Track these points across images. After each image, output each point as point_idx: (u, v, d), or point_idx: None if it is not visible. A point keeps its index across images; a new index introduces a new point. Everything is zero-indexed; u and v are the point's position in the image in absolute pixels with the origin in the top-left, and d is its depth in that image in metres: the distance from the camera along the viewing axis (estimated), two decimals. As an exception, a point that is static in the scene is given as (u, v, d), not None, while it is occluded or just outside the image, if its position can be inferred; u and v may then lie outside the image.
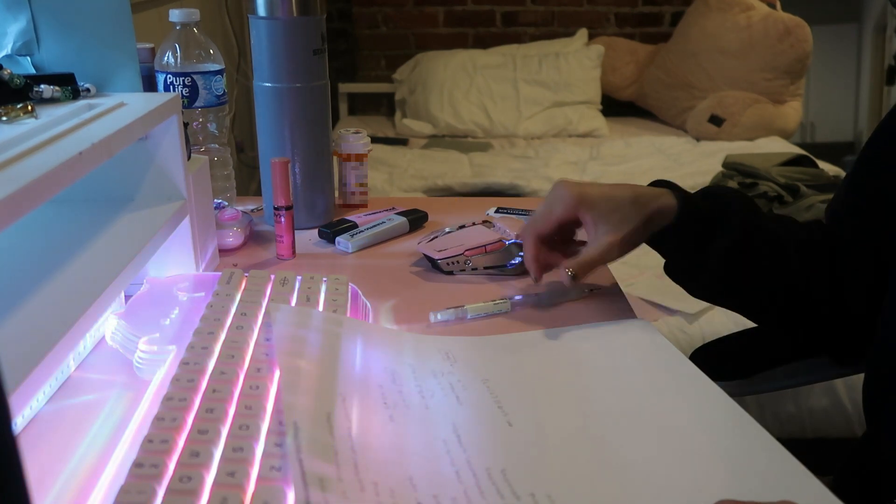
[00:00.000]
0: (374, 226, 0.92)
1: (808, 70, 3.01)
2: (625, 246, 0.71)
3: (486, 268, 0.83)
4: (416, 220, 0.96)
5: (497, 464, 0.50)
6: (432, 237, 0.87)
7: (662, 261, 0.77)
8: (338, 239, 0.90)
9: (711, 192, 0.77)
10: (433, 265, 0.84)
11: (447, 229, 0.87)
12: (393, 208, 0.99)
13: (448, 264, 0.83)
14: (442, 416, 0.55)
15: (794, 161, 2.18)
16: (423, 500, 0.46)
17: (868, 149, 0.75)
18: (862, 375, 0.72)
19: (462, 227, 0.87)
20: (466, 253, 0.82)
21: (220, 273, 0.69)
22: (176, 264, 0.75)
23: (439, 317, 0.72)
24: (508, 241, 0.83)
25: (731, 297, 0.76)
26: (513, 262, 0.83)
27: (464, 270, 0.83)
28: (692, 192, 0.77)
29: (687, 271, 0.74)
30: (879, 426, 0.67)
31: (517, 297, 0.75)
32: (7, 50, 0.71)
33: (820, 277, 0.73)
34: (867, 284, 0.72)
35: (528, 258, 0.74)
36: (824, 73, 3.56)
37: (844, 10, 3.58)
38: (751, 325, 0.83)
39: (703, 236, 0.72)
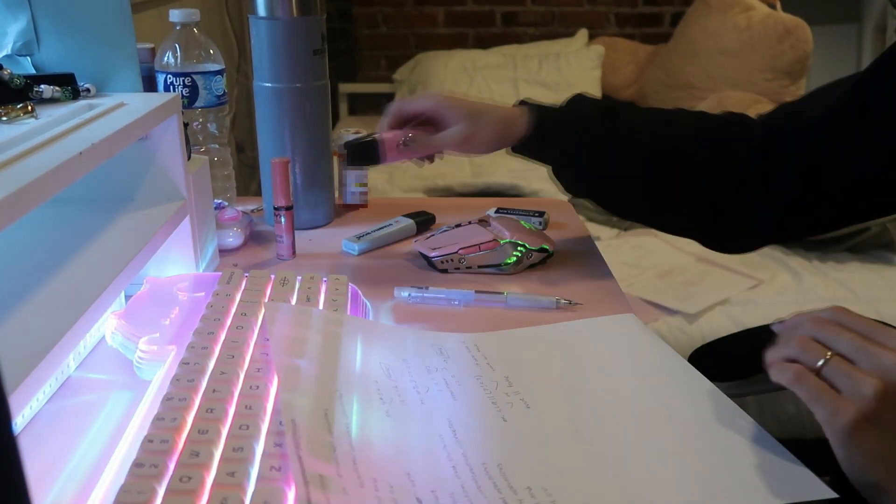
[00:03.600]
0: (381, 228, 0.92)
1: (809, 70, 3.01)
2: (473, 140, 0.84)
3: (480, 266, 0.83)
4: (424, 222, 0.96)
5: (493, 459, 0.50)
6: (429, 235, 0.87)
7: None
8: (344, 241, 0.90)
9: (572, 101, 0.86)
10: (428, 263, 0.85)
11: (444, 228, 0.88)
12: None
13: (442, 262, 0.83)
14: (437, 411, 0.55)
15: (794, 161, 2.17)
16: (421, 495, 0.46)
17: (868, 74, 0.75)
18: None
19: (458, 225, 0.88)
20: (461, 251, 0.83)
21: (220, 273, 0.69)
22: (176, 264, 0.75)
23: (405, 294, 0.77)
24: (503, 240, 0.83)
25: (598, 199, 0.86)
26: (508, 262, 0.83)
27: (458, 269, 0.83)
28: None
29: (557, 174, 0.86)
30: None
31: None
32: (7, 50, 0.71)
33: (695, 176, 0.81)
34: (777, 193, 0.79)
35: (381, 122, 0.88)
36: (824, 73, 3.56)
37: (844, 10, 3.58)
38: (751, 325, 0.83)
39: (560, 150, 0.84)
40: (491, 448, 0.51)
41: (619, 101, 0.86)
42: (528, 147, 0.85)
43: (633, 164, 0.81)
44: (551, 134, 0.83)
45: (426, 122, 0.87)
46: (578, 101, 0.86)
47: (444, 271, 0.84)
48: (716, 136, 0.81)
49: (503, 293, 0.75)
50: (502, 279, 0.82)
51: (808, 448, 0.54)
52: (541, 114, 0.84)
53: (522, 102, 0.87)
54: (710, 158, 0.80)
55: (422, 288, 0.76)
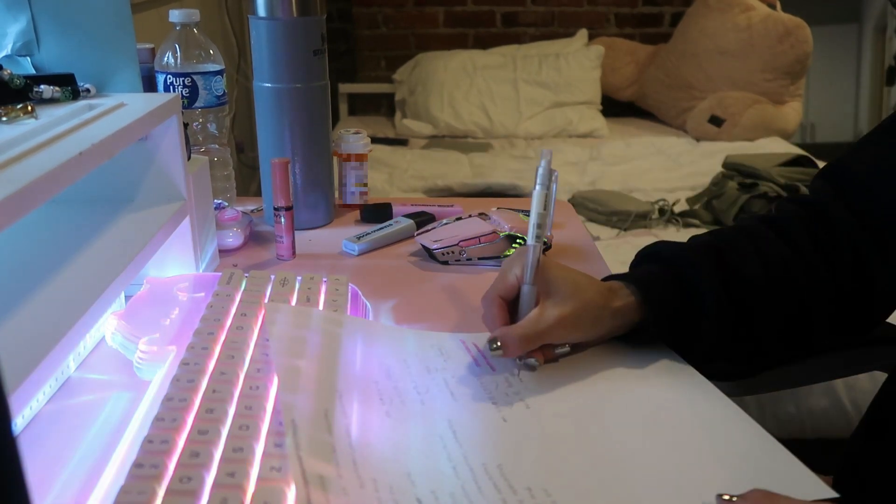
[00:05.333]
0: (381, 228, 0.93)
1: (808, 70, 3.01)
2: (576, 328, 0.61)
3: (479, 258, 0.85)
4: (423, 222, 0.96)
5: (493, 459, 0.50)
6: (430, 228, 0.89)
7: None
8: (344, 241, 0.90)
9: (674, 271, 0.65)
10: (429, 255, 0.86)
11: (444, 221, 0.90)
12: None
13: (443, 254, 0.85)
14: (437, 411, 0.55)
15: (794, 161, 2.17)
16: (421, 495, 0.46)
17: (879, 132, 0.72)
18: (861, 376, 0.72)
19: (459, 218, 0.90)
20: (461, 244, 0.85)
21: (220, 273, 0.69)
22: (176, 264, 0.75)
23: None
24: (502, 233, 0.84)
25: (732, 354, 0.68)
26: (507, 254, 0.84)
27: (458, 261, 0.85)
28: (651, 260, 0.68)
29: (681, 351, 0.65)
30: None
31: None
32: (7, 50, 0.71)
33: (813, 289, 0.67)
34: (861, 271, 0.69)
35: (488, 320, 0.63)
36: (824, 73, 3.56)
37: (844, 10, 3.58)
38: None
39: (682, 327, 0.64)
40: (491, 448, 0.51)
41: (703, 247, 0.67)
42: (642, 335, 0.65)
43: (759, 309, 0.65)
44: (670, 321, 0.63)
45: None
46: (683, 269, 0.65)
47: (445, 263, 0.86)
48: (808, 240, 0.69)
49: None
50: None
51: (808, 448, 0.54)
52: (651, 301, 0.63)
53: (613, 278, 0.67)
54: (814, 262, 0.68)
55: None
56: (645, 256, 0.68)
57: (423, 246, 0.87)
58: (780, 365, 0.83)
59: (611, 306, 0.62)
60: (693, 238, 0.69)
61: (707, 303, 0.63)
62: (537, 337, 0.60)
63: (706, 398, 0.58)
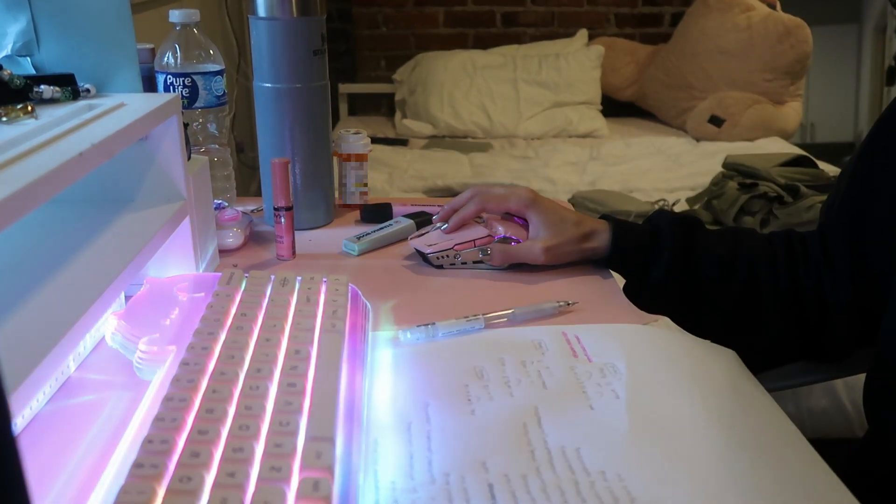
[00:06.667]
0: (381, 228, 0.92)
1: (809, 70, 3.01)
2: (553, 255, 0.81)
3: (474, 262, 0.84)
4: (423, 222, 0.96)
5: (573, 443, 0.51)
6: (424, 231, 0.88)
7: None
8: (344, 241, 0.90)
9: (650, 220, 0.84)
10: (424, 259, 0.85)
11: (439, 224, 0.88)
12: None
13: (438, 258, 0.84)
14: (525, 400, 0.56)
15: (794, 161, 2.17)
16: (493, 480, 0.47)
17: (864, 155, 0.76)
18: (862, 376, 0.72)
19: None
20: (456, 248, 0.83)
21: (220, 273, 0.69)
22: (176, 264, 0.75)
23: (409, 336, 0.67)
24: (497, 236, 0.83)
25: (676, 317, 0.78)
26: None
27: (453, 265, 0.84)
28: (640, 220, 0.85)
29: (632, 295, 0.79)
30: (887, 431, 0.67)
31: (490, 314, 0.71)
32: (7, 50, 0.71)
33: (774, 292, 0.78)
34: (848, 298, 0.76)
35: (457, 216, 0.84)
36: (824, 73, 3.56)
37: (844, 10, 3.58)
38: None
39: (637, 267, 0.81)
40: (573, 433, 0.52)
41: (695, 220, 0.83)
42: (608, 264, 0.84)
43: (710, 285, 0.80)
44: (628, 255, 0.82)
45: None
46: (657, 219, 0.83)
47: (440, 267, 0.84)
48: (784, 249, 0.81)
49: (511, 310, 0.71)
50: (497, 275, 0.83)
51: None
52: (619, 233, 0.82)
53: (606, 217, 0.84)
54: (784, 268, 0.79)
55: (429, 325, 0.68)
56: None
57: (417, 250, 0.86)
58: (781, 365, 0.84)
59: (582, 247, 0.82)
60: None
61: (665, 247, 0.79)
62: (519, 258, 0.82)
63: (759, 409, 0.58)
